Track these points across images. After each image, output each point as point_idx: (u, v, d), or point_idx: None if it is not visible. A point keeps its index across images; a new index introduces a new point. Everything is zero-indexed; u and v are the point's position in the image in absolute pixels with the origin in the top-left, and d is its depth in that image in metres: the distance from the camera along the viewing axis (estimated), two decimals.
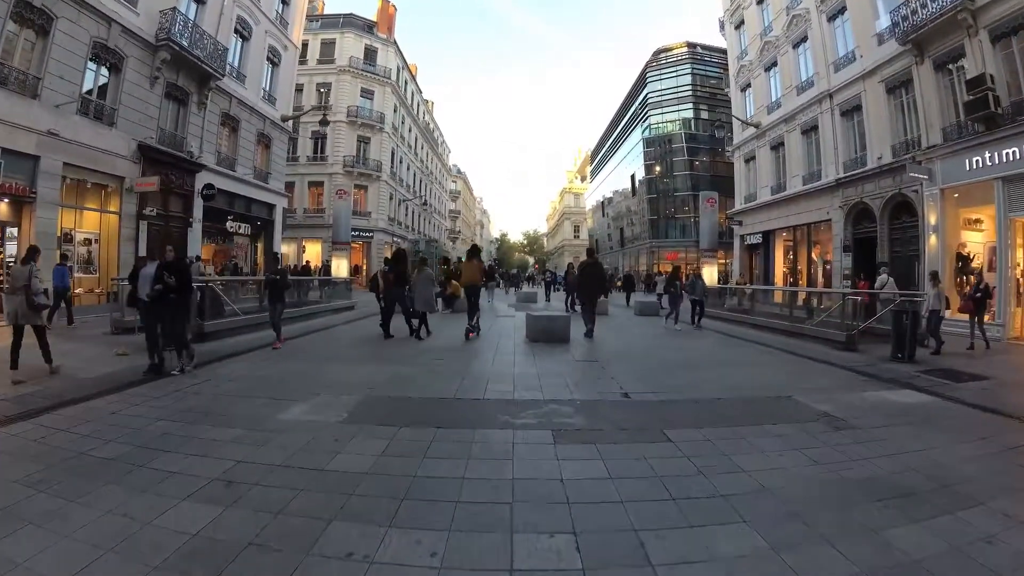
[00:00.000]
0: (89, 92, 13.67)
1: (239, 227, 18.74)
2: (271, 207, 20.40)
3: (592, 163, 73.01)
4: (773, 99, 21.32)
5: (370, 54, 35.78)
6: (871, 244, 16.25)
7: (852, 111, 17.35)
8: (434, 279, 10.70)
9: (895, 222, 15.69)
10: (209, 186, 16.38)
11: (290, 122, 21.98)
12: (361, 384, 5.64)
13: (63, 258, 12.45)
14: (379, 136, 34.41)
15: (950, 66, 14.28)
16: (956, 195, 13.97)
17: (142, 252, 15.04)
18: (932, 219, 14.22)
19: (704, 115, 39.82)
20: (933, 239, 14.20)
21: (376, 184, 34.12)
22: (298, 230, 32.24)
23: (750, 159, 23.08)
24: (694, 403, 5.01)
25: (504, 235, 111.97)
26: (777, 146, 20.90)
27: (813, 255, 19.54)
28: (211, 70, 16.64)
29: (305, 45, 34.68)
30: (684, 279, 13.41)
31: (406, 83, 40.80)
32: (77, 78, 13.12)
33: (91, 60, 13.62)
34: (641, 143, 42.87)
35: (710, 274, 17.79)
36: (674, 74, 41.07)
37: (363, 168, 33.27)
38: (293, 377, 5.96)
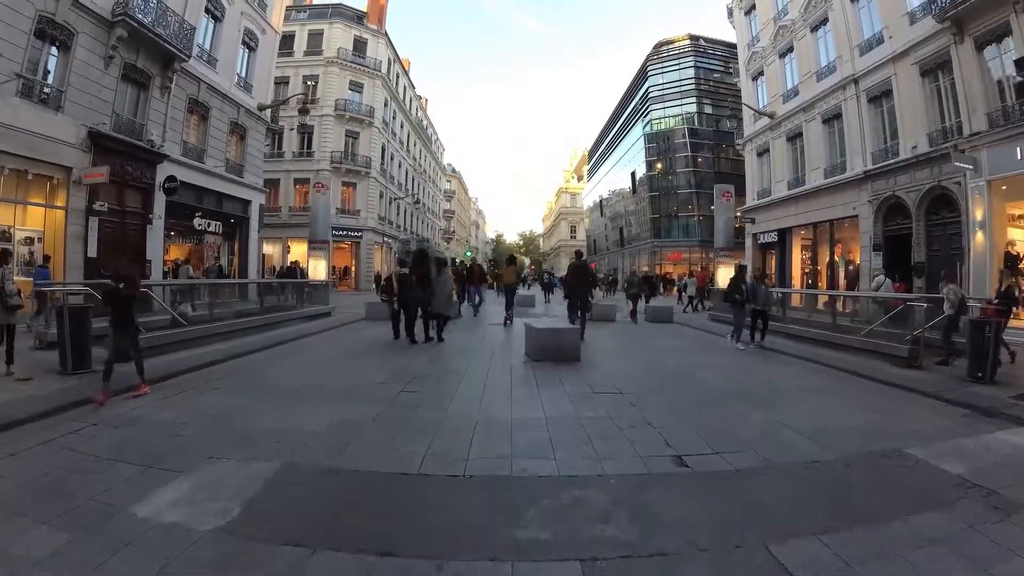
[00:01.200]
0: (32, 72, 12.04)
1: (209, 225, 17.03)
2: (246, 203, 18.69)
3: (589, 162, 71.47)
4: (789, 87, 19.83)
5: (359, 46, 34.15)
6: (904, 242, 14.75)
7: (881, 97, 15.87)
8: (453, 282, 10.26)
9: (933, 218, 14.21)
10: (171, 178, 14.71)
11: (268, 112, 20.29)
12: (289, 438, 3.93)
13: (45, 259, 11.21)
14: (368, 131, 32.75)
15: (994, 45, 12.89)
16: (1004, 187, 12.55)
17: (91, 252, 13.53)
18: (978, 214, 12.75)
19: (708, 110, 38.36)
20: (979, 236, 12.73)
21: (365, 181, 32.44)
22: (283, 229, 30.59)
23: (763, 152, 21.55)
24: (786, 475, 3.34)
25: (500, 236, 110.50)
26: (794, 137, 19.39)
27: (835, 255, 18.04)
28: (175, 50, 14.96)
29: (292, 36, 33.17)
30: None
31: (397, 76, 39.16)
32: (19, 56, 11.48)
33: (36, 36, 11.98)
34: (642, 139, 41.29)
35: (726, 276, 16.19)
36: (676, 67, 39.53)
37: (351, 164, 31.60)
38: (202, 422, 4.27)
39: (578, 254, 11.96)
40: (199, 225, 16.65)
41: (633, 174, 43.55)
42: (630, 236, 47.13)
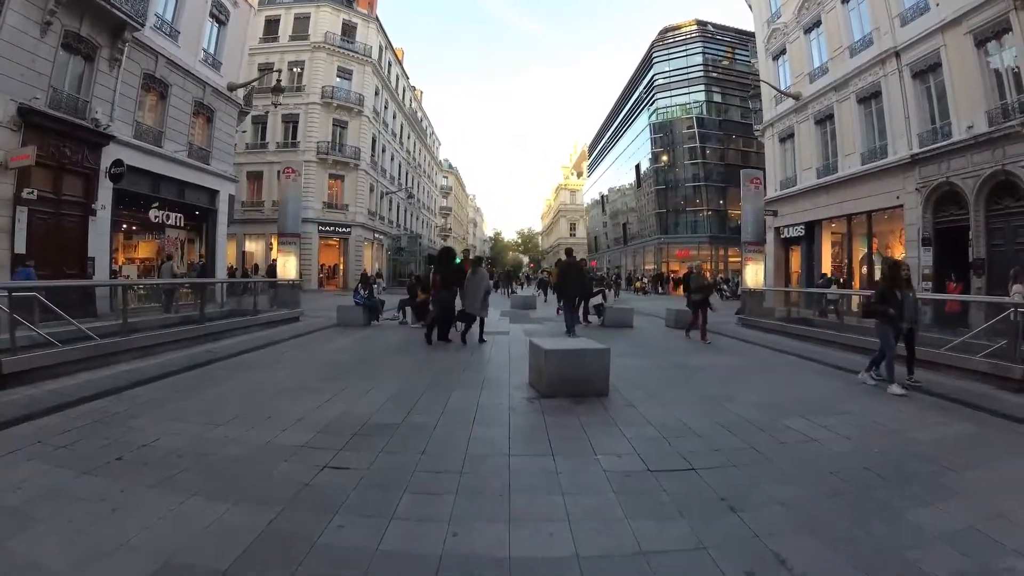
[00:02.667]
0: None
1: (168, 217, 15.08)
2: (213, 193, 16.71)
3: (590, 157, 69.49)
4: (816, 65, 17.94)
5: (348, 30, 32.15)
6: (959, 235, 12.89)
7: (927, 71, 13.98)
8: (488, 282, 9.59)
9: (994, 207, 12.33)
10: (117, 163, 12.77)
11: (241, 93, 18.34)
12: None
13: (26, 259, 10.32)
14: (358, 120, 30.77)
15: None
16: None
17: (19, 247, 11.64)
18: None
19: (717, 98, 36.38)
20: None
21: (354, 174, 30.46)
22: (266, 225, 28.64)
23: (786, 138, 19.64)
24: None
25: (498, 234, 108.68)
26: (824, 120, 17.49)
27: (872, 250, 16.15)
28: (126, 17, 13.01)
29: (276, 20, 31.28)
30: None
31: (390, 65, 37.14)
32: None
33: None
34: (648, 129, 39.22)
35: (755, 274, 14.33)
36: (683, 53, 37.50)
37: (339, 155, 29.62)
38: None
39: (568, 252, 11.44)
40: (155, 217, 14.71)
41: (637, 167, 41.52)
42: (633, 233, 45.19)
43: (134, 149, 13.84)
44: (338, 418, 4.27)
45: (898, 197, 14.30)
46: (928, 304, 9.06)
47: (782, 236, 19.33)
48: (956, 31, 13.02)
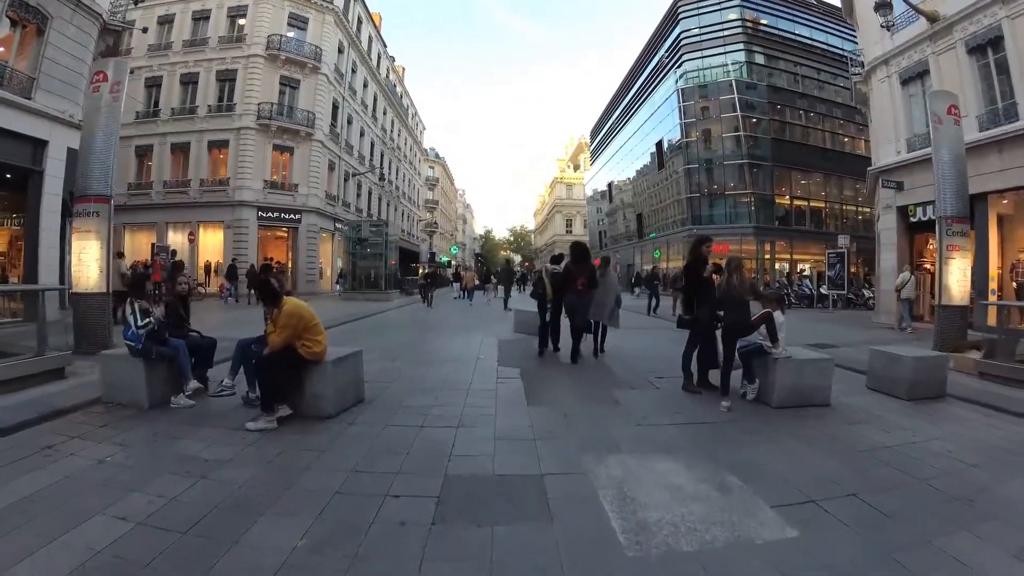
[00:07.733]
0: None
1: None
2: (38, 145, 10.38)
3: (591, 144, 63.43)
4: None
5: None
6: None
7: None
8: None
9: None
10: None
11: (103, 3, 12.01)
12: None
13: None
14: (313, 79, 24.40)
15: None
16: None
17: None
18: None
19: (760, 59, 30.28)
20: None
21: (307, 145, 24.02)
22: (192, 211, 22.43)
23: (912, 78, 13.72)
24: None
25: (489, 231, 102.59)
26: (982, 46, 11.60)
27: None
28: None
29: None
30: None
31: (360, 21, 30.79)
32: None
33: None
34: (675, 96, 32.56)
35: (963, 274, 8.44)
36: (716, 7, 31.26)
37: (287, 121, 23.20)
38: None
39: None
40: None
41: (659, 144, 34.87)
42: (655, 223, 38.58)
43: None
44: None
45: None
46: None
47: (912, 219, 13.46)
48: None
